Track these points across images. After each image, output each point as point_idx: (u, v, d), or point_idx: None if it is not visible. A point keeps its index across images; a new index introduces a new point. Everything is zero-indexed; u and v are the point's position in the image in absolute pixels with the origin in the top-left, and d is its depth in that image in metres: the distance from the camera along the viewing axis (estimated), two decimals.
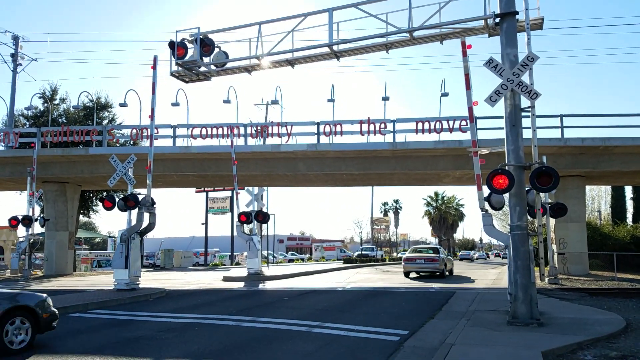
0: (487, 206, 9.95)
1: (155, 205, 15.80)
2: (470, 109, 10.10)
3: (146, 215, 15.46)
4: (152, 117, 16.33)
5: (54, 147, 24.21)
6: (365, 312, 11.18)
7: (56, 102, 31.36)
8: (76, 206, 27.98)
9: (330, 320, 9.65)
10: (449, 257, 26.72)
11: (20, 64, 31.83)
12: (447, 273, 22.37)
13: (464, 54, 9.91)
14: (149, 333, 8.42)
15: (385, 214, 75.81)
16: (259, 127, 23.13)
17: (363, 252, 49.11)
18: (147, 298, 13.62)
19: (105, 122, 30.95)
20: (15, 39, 31.82)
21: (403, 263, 22.87)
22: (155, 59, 16.11)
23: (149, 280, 21.41)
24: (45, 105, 29.72)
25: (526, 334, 7.77)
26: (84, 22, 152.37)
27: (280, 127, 22.53)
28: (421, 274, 22.61)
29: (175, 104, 23.50)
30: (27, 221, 21.42)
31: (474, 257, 60.68)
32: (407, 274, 22.41)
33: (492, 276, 24.35)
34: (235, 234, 29.72)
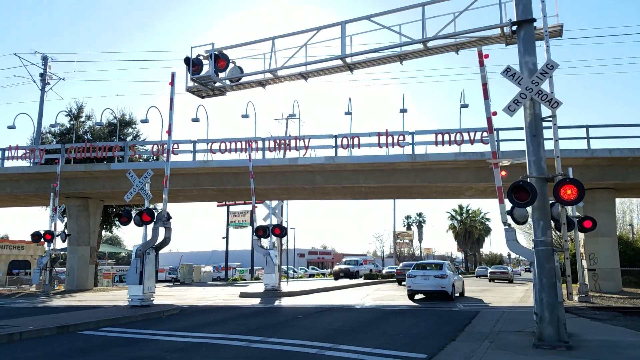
0: (509, 220, 9.47)
1: (171, 220, 15.78)
2: (489, 120, 9.71)
3: (161, 230, 15.43)
4: (169, 132, 16.49)
5: (77, 163, 24.75)
6: (382, 332, 10.72)
7: (82, 119, 32.23)
8: (98, 221, 28.43)
9: (344, 342, 9.24)
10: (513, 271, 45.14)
11: (49, 83, 32.94)
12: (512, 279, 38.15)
13: (481, 64, 9.57)
14: (154, 353, 8.21)
15: (409, 228, 74.51)
16: (276, 141, 23.10)
17: (343, 267, 39.07)
18: (160, 315, 13.49)
19: (129, 138, 31.59)
20: (44, 59, 32.98)
21: (489, 274, 39.77)
22: (173, 75, 16.31)
23: (166, 295, 21.38)
24: (72, 122, 30.54)
25: (553, 359, 7.22)
26: (106, 42, 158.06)
27: (297, 140, 22.45)
28: (496, 280, 38.43)
29: (195, 120, 23.77)
30: (49, 236, 21.80)
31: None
32: (490, 280, 38.73)
33: (519, 293, 23.38)
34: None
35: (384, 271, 43.69)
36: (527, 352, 7.84)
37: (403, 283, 28.32)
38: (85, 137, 30.86)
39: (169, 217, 15.79)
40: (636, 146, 20.22)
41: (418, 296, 19.29)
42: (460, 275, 20.58)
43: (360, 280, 34.06)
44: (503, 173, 9.52)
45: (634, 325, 11.12)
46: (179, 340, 9.55)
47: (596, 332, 9.93)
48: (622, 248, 23.30)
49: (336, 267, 41.07)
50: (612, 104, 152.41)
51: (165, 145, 23.65)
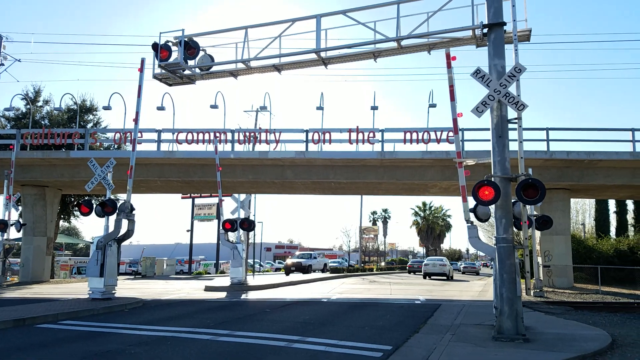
0: (472, 218, 9.80)
1: (134, 212, 15.34)
2: (454, 121, 10.05)
3: (125, 222, 14.97)
4: (136, 120, 15.96)
5: (34, 150, 23.59)
6: (348, 325, 10.87)
7: (39, 104, 30.74)
8: (56, 211, 27.27)
9: (311, 335, 9.32)
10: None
11: (3, 64, 30.97)
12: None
13: (449, 66, 9.85)
14: (118, 347, 7.99)
15: (374, 223, 75.69)
16: (246, 134, 22.82)
17: (295, 261, 36.82)
18: (122, 308, 13.11)
19: (89, 125, 30.40)
20: None
21: (462, 268, 50.57)
22: (142, 61, 15.69)
23: (128, 289, 20.82)
24: (28, 107, 29.08)
25: (511, 351, 7.55)
26: (69, 24, 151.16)
27: (268, 133, 22.27)
28: (467, 273, 48.23)
29: (161, 108, 23.15)
30: (2, 225, 20.72)
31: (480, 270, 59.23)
32: (463, 272, 48.08)
33: (477, 287, 24.26)
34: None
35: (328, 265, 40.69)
36: (486, 344, 8.16)
37: (412, 273, 41.68)
38: (43, 122, 29.45)
39: (132, 209, 15.33)
40: (592, 149, 21.31)
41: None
42: (451, 266, 36.24)
43: (327, 274, 34.30)
44: (467, 173, 9.84)
45: (585, 319, 11.76)
46: (143, 334, 9.33)
47: (551, 325, 10.42)
48: (574, 246, 24.55)
49: (288, 261, 38.35)
50: (572, 107, 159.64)
51: (128, 134, 23.12)
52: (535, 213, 17.64)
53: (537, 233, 20.93)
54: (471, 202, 9.80)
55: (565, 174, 21.95)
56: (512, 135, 10.11)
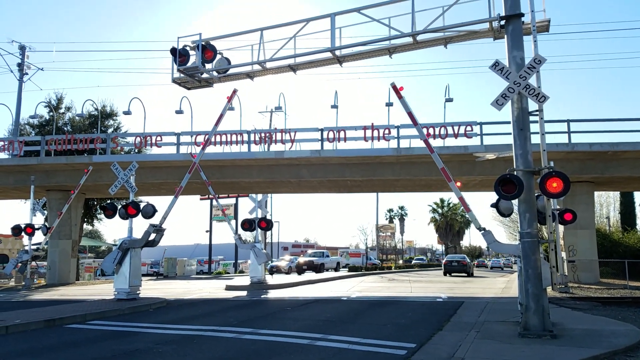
0: (484, 224, 9.71)
1: (165, 229, 15.56)
2: (426, 142, 10.60)
3: (153, 235, 15.20)
4: (204, 145, 16.57)
5: (58, 155, 24.22)
6: (370, 322, 10.86)
7: (62, 110, 31.50)
8: (80, 214, 27.93)
9: (334, 332, 9.34)
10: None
11: (27, 73, 32.01)
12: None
13: (399, 97, 10.34)
14: (146, 346, 8.15)
15: (391, 221, 75.18)
16: (262, 134, 22.97)
17: (307, 259, 35.96)
18: (147, 308, 13.36)
19: (110, 130, 31.03)
20: (22, 48, 32.03)
21: (502, 264, 57.15)
22: (234, 92, 15.67)
23: (151, 289, 21.19)
24: (51, 114, 29.84)
25: (539, 347, 7.43)
26: (88, 32, 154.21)
27: (283, 133, 22.37)
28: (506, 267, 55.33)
29: (179, 112, 23.44)
30: (30, 230, 21.30)
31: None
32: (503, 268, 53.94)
33: (500, 284, 23.94)
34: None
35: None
36: (513, 341, 8.04)
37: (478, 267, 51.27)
38: (65, 128, 30.16)
39: (162, 228, 15.49)
40: (615, 140, 20.77)
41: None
42: (502, 263, 57.13)
43: (344, 273, 34.22)
44: (459, 184, 9.95)
45: (614, 314, 11.48)
46: (169, 332, 9.50)
47: (578, 321, 10.21)
48: (599, 240, 23.96)
49: (300, 259, 36.66)
50: (594, 98, 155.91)
51: (148, 138, 23.50)
52: (557, 207, 17.28)
53: (561, 227, 20.53)
54: (476, 211, 9.80)
55: (589, 167, 21.44)
56: (533, 128, 9.92)
